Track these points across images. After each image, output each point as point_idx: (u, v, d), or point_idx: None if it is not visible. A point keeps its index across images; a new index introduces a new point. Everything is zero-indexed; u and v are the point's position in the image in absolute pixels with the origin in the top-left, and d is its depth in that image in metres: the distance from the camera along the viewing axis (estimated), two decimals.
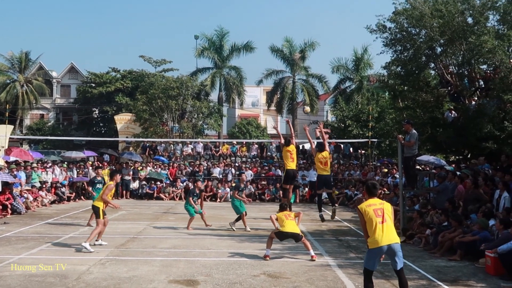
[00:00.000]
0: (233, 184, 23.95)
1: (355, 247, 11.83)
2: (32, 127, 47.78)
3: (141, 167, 25.88)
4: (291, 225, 10.33)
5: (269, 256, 10.16)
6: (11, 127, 26.34)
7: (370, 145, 27.11)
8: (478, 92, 17.51)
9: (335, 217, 14.41)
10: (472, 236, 10.41)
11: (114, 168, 24.98)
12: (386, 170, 23.27)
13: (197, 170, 25.75)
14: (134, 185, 24.76)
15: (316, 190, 13.62)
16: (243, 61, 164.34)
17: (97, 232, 11.17)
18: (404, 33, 17.40)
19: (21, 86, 47.68)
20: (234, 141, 32.49)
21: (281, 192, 21.75)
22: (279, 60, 41.79)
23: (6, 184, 17.46)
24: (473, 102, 16.93)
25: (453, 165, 17.72)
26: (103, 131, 47.80)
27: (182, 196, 23.78)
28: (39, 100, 49.74)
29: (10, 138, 25.76)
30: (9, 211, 16.77)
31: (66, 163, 25.53)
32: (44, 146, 43.65)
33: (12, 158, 22.20)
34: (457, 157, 20.19)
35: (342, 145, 29.21)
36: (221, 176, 25.53)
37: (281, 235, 10.36)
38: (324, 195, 16.73)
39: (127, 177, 24.50)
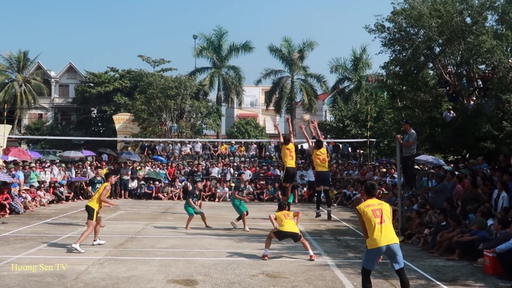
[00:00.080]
0: (232, 184, 24.03)
1: (354, 247, 11.83)
2: (30, 127, 47.75)
3: (139, 167, 25.85)
4: (290, 225, 10.32)
5: (268, 255, 10.15)
6: (9, 126, 26.35)
7: (369, 145, 27.13)
8: (476, 92, 17.55)
9: (333, 216, 14.42)
10: (470, 235, 10.42)
11: (112, 168, 25.03)
12: (384, 170, 23.27)
13: (196, 170, 25.73)
14: (133, 184, 24.74)
15: (315, 187, 13.64)
16: (241, 61, 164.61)
17: (87, 234, 10.98)
18: (403, 33, 17.44)
19: (20, 85, 47.61)
20: (233, 140, 32.47)
21: (279, 192, 21.83)
22: (277, 60, 41.79)
23: (4, 184, 17.44)
24: (472, 102, 16.96)
25: (452, 165, 17.72)
26: (101, 131, 47.78)
27: (181, 196, 23.79)
28: (37, 99, 49.68)
29: (8, 137, 25.76)
30: (8, 211, 16.74)
31: (64, 163, 25.49)
32: (42, 145, 43.61)
33: (10, 158, 22.18)
34: (455, 157, 20.21)
35: (340, 145, 29.20)
36: (219, 176, 25.52)
37: (280, 235, 10.36)
38: (322, 194, 16.74)
39: (125, 177, 24.49)
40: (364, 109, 30.42)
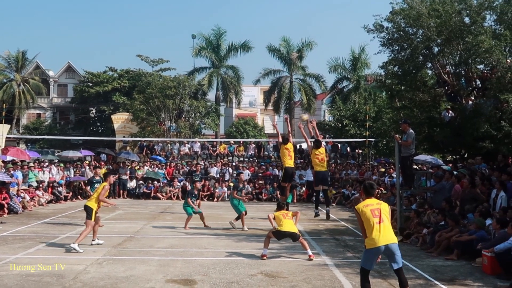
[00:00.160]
0: (231, 184, 24.04)
1: (352, 247, 11.84)
2: (29, 127, 47.66)
3: (138, 167, 25.84)
4: (289, 224, 10.32)
5: (267, 255, 10.15)
6: (7, 126, 26.27)
7: (367, 145, 27.15)
8: (475, 92, 17.57)
9: (332, 216, 14.41)
10: (469, 235, 10.43)
11: (111, 168, 25.03)
12: (383, 169, 23.30)
13: (195, 169, 25.72)
14: (131, 184, 24.73)
15: (313, 186, 13.65)
16: (240, 61, 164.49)
17: (86, 234, 10.94)
18: (401, 32, 17.45)
19: (18, 85, 47.55)
20: (232, 140, 32.47)
21: (278, 192, 21.83)
22: (276, 59, 41.77)
23: (2, 184, 17.41)
24: (470, 102, 16.98)
25: (450, 165, 17.74)
26: (100, 131, 47.74)
27: (179, 196, 23.78)
28: (36, 99, 49.61)
29: (6, 137, 25.70)
30: (6, 211, 16.72)
31: (62, 162, 25.46)
32: (40, 145, 43.56)
33: (8, 158, 22.15)
34: (454, 156, 20.24)
35: (339, 145, 29.22)
36: (218, 176, 25.52)
37: (279, 234, 10.36)
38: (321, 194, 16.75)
39: (124, 177, 24.48)
40: (363, 109, 30.44)
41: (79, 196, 22.98)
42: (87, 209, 11.18)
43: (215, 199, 23.68)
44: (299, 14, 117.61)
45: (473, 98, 17.33)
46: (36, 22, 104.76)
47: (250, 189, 23.90)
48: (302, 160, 26.71)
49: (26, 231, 13.43)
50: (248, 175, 24.96)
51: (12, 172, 19.47)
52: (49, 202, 20.61)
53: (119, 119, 38.04)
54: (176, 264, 9.57)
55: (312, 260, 10.02)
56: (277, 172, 24.94)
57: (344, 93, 38.57)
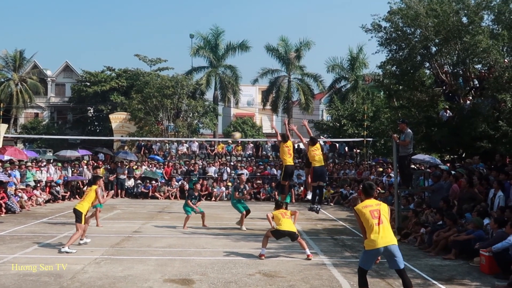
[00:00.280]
0: (229, 184, 24.06)
1: (351, 246, 11.85)
2: (26, 126, 47.60)
3: (136, 166, 25.82)
4: (287, 224, 10.33)
5: (265, 255, 10.15)
6: (5, 126, 26.19)
7: (365, 144, 27.19)
8: (472, 91, 17.58)
9: (328, 215, 14.35)
10: (466, 235, 10.44)
11: (109, 167, 25.02)
12: (381, 169, 23.32)
13: (192, 169, 25.70)
14: (129, 183, 24.71)
15: (311, 182, 13.64)
16: (238, 60, 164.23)
17: (76, 238, 10.84)
18: (399, 32, 17.45)
19: (16, 84, 47.46)
20: (230, 140, 32.46)
21: (276, 192, 21.79)
22: (274, 59, 41.81)
23: (0, 183, 17.37)
24: (468, 102, 17.00)
25: (448, 164, 17.79)
26: (98, 130, 47.66)
27: (177, 195, 23.78)
28: (33, 99, 49.52)
29: (4, 137, 25.61)
30: (3, 210, 16.70)
31: (60, 162, 25.43)
32: (38, 145, 43.48)
33: (6, 157, 22.10)
34: (452, 156, 20.26)
35: (337, 144, 29.24)
36: (216, 175, 25.51)
37: (278, 234, 10.36)
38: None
39: (122, 176, 24.46)
40: (361, 109, 30.47)
41: (77, 196, 22.91)
42: (76, 213, 10.96)
43: (213, 199, 23.68)
44: (297, 14, 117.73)
45: (471, 97, 17.35)
46: (33, 22, 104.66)
47: (247, 188, 23.88)
48: (300, 160, 26.70)
49: (23, 230, 13.41)
50: (247, 174, 24.94)
51: (9, 171, 19.44)
52: (47, 201, 20.58)
53: (117, 119, 37.98)
54: (174, 263, 9.56)
55: (310, 259, 10.03)
56: (275, 172, 24.94)
57: (342, 93, 38.62)
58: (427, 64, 18.41)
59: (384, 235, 6.64)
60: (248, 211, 14.63)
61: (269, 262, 9.78)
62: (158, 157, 27.92)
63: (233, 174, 25.19)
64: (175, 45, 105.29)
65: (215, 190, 24.11)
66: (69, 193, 22.48)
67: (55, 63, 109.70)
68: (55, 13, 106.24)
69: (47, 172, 22.60)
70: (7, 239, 11.96)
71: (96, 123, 49.45)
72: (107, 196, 12.36)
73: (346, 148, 29.58)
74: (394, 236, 6.84)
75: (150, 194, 24.17)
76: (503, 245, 8.96)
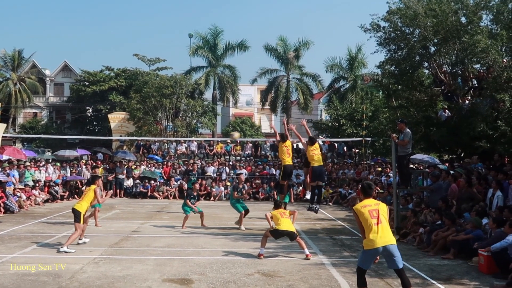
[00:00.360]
0: (228, 183, 24.05)
1: (349, 246, 11.85)
2: (25, 126, 47.55)
3: (135, 166, 25.79)
4: (286, 223, 10.32)
5: (263, 255, 10.15)
6: (4, 125, 26.18)
7: (364, 144, 27.16)
8: (471, 91, 17.60)
9: (327, 215, 14.36)
10: (465, 234, 10.45)
11: (108, 167, 24.99)
12: (380, 169, 23.33)
13: (191, 169, 25.69)
14: (128, 183, 24.69)
15: (310, 182, 13.64)
16: (237, 60, 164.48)
17: (75, 237, 10.83)
18: (398, 32, 17.46)
19: (14, 84, 47.40)
20: (228, 140, 32.45)
21: (274, 192, 21.80)
22: (273, 59, 41.82)
23: None
24: (467, 102, 17.01)
25: (447, 164, 17.79)
26: (96, 130, 47.61)
27: (176, 195, 23.78)
28: (32, 98, 49.46)
29: (3, 136, 25.57)
30: (2, 210, 16.68)
31: (59, 162, 25.40)
32: (37, 144, 43.43)
33: (5, 157, 22.07)
34: (450, 156, 20.28)
35: (336, 144, 29.22)
36: (215, 175, 25.50)
37: (276, 233, 10.35)
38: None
39: (121, 176, 24.45)
40: (360, 108, 30.48)
41: (75, 196, 22.89)
42: (75, 212, 10.94)
43: (212, 199, 23.67)
44: (296, 13, 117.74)
45: (469, 97, 17.36)
46: (32, 21, 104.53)
47: (246, 188, 23.87)
48: (299, 160, 26.70)
49: (22, 230, 13.40)
50: (245, 174, 24.93)
51: (8, 171, 19.42)
52: (46, 201, 20.56)
53: (115, 118, 37.96)
54: (173, 263, 9.56)
55: (309, 259, 10.03)
56: (274, 172, 24.94)
57: (341, 93, 38.63)
58: (426, 64, 18.42)
59: (383, 235, 6.64)
60: (247, 211, 14.63)
61: (268, 262, 9.78)
62: (157, 157, 27.89)
63: (232, 174, 25.18)
64: (174, 45, 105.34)
65: (214, 189, 24.10)
66: (67, 192, 22.46)
67: (53, 62, 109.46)
68: (53, 13, 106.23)
69: (45, 171, 22.58)
70: (6, 239, 11.94)
71: (94, 123, 49.40)
72: (106, 195, 12.38)
73: (345, 148, 29.57)
74: (393, 236, 6.84)
75: (149, 194, 24.16)
76: (501, 244, 8.97)
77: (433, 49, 17.57)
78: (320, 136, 31.90)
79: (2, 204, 16.74)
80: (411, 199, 15.52)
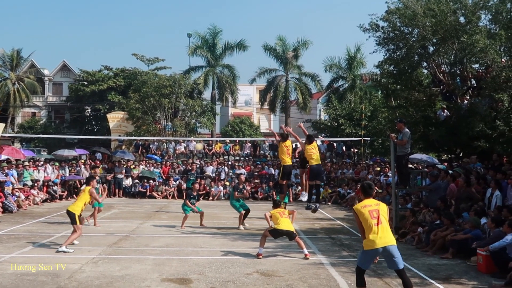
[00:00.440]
0: (227, 183, 24.05)
1: (348, 245, 11.86)
2: (23, 125, 47.46)
3: (133, 166, 25.78)
4: (285, 223, 10.32)
5: (262, 254, 10.16)
6: (2, 125, 26.10)
7: (363, 144, 27.17)
8: (470, 91, 17.60)
9: (325, 214, 14.36)
10: (464, 234, 10.46)
11: (106, 167, 24.97)
12: (378, 168, 23.32)
13: (190, 168, 25.68)
14: (127, 183, 24.68)
15: (308, 181, 13.64)
16: (236, 60, 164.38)
17: (75, 238, 10.79)
18: (397, 32, 17.47)
19: (13, 84, 47.29)
20: (227, 139, 32.44)
21: (273, 191, 21.77)
22: (272, 58, 41.78)
23: None
24: (465, 101, 17.02)
25: (445, 164, 17.80)
26: (95, 130, 47.54)
27: (175, 195, 23.78)
28: (30, 98, 49.35)
29: (1, 136, 25.56)
30: (1, 210, 16.67)
31: (57, 161, 25.37)
32: (35, 144, 43.36)
33: (3, 157, 22.04)
34: (449, 155, 20.29)
35: (335, 144, 29.22)
36: (214, 175, 25.49)
37: (276, 233, 10.36)
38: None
39: (120, 176, 24.45)
40: (358, 108, 30.49)
41: (74, 195, 22.85)
42: (70, 214, 10.89)
43: (211, 198, 23.67)
44: (295, 13, 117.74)
45: (468, 97, 17.37)
46: (31, 21, 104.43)
47: (246, 188, 23.86)
48: (298, 159, 26.69)
49: (21, 230, 13.39)
50: (244, 174, 24.93)
51: (7, 171, 19.40)
52: (44, 201, 20.55)
53: (114, 118, 37.90)
54: (172, 263, 9.56)
55: (308, 259, 10.04)
56: (272, 171, 24.93)
57: (340, 92, 38.62)
58: (425, 64, 18.44)
59: (383, 236, 6.61)
60: (248, 211, 14.63)
61: (267, 262, 9.79)
62: (155, 157, 27.88)
63: (230, 174, 25.18)
64: (172, 45, 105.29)
65: (212, 189, 24.10)
66: (66, 192, 22.45)
67: (52, 62, 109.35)
68: (52, 13, 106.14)
69: (44, 171, 22.57)
70: (4, 239, 11.93)
71: (93, 123, 49.32)
72: (104, 192, 12.31)
73: (344, 148, 29.56)
74: (393, 236, 6.81)
75: (148, 193, 24.16)
76: (500, 244, 8.98)
77: (431, 49, 17.58)
78: (319, 136, 31.92)
79: (0, 204, 16.72)
80: (410, 198, 15.54)
